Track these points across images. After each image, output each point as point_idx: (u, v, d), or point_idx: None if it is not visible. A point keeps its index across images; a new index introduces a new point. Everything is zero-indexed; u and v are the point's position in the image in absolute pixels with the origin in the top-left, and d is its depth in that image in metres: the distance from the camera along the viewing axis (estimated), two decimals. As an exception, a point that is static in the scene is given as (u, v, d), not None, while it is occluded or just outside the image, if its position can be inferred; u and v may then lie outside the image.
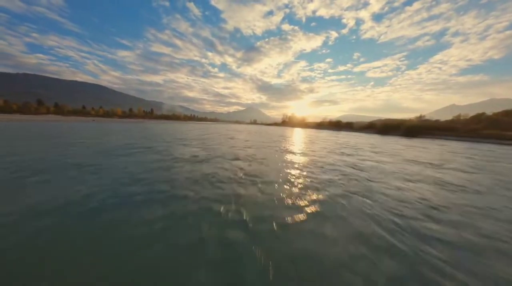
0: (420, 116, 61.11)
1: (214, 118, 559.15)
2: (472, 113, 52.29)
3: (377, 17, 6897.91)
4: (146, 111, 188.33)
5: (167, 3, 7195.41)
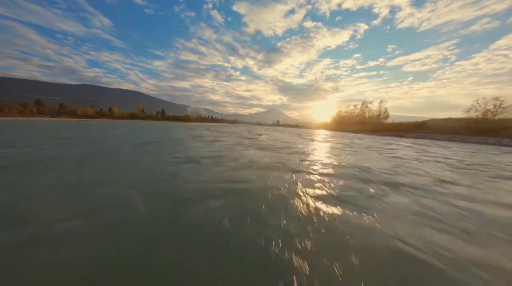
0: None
1: (233, 120, 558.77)
2: None
3: (418, 2, 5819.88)
4: (158, 111, 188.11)
5: (193, 13, 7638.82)
